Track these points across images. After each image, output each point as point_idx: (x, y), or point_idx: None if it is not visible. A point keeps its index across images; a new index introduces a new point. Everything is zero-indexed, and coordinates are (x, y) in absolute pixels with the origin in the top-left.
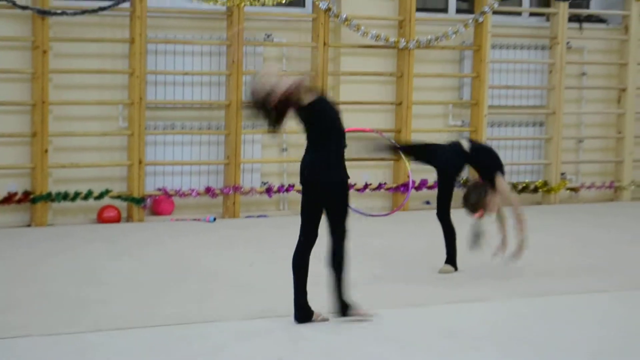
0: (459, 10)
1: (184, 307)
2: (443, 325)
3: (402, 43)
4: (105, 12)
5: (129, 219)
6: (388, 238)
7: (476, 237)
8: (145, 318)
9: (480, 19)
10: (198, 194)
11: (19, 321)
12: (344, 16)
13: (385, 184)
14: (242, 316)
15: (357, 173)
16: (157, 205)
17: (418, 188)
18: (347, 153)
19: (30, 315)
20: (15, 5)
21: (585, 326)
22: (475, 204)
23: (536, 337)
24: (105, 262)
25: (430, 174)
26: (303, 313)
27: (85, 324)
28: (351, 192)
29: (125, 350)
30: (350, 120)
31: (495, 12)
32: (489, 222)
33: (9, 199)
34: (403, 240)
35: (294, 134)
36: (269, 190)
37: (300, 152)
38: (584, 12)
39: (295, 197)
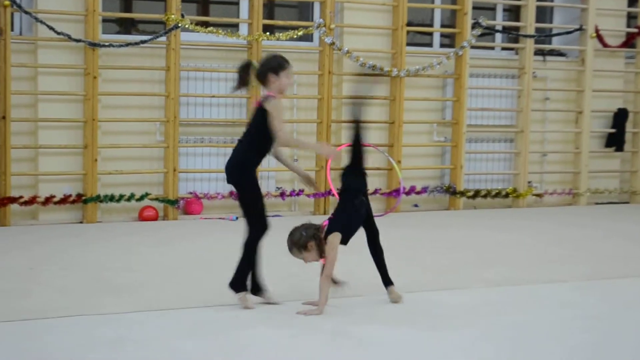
0: (442, 45)
1: (211, 291)
2: (426, 309)
3: (395, 72)
4: (145, 45)
5: (165, 217)
6: (382, 235)
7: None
8: (179, 300)
9: (460, 52)
10: (223, 197)
11: (73, 302)
12: (346, 49)
13: (380, 189)
14: (257, 300)
15: None
16: (189, 206)
17: (408, 193)
18: None
19: (82, 297)
20: (70, 38)
21: (552, 311)
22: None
23: (510, 320)
24: (145, 253)
25: (418, 181)
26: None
27: (129, 305)
28: None
29: (161, 328)
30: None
31: (472, 47)
32: None
33: (64, 199)
34: (395, 236)
35: None
36: (282, 194)
37: (309, 163)
38: (547, 47)
39: (305, 200)
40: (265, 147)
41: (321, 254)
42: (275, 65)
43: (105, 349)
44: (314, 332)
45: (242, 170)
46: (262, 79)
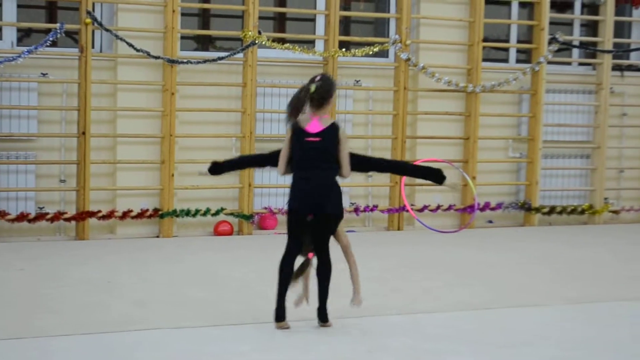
0: (518, 61)
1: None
2: (502, 326)
3: (470, 88)
4: (222, 61)
5: (240, 232)
6: (456, 251)
7: None
8: (254, 315)
9: (537, 68)
10: None
11: (150, 316)
12: (421, 65)
13: (454, 205)
14: (336, 315)
15: (430, 196)
16: (264, 221)
17: (482, 209)
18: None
19: (159, 311)
20: (149, 55)
21: (630, 330)
22: None
23: (586, 338)
24: (220, 268)
25: (493, 197)
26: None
27: (205, 320)
28: (426, 212)
29: (237, 342)
30: (426, 152)
31: (549, 62)
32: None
33: (141, 214)
34: (470, 252)
35: None
36: (356, 210)
37: (383, 178)
38: (625, 62)
39: (379, 215)
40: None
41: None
42: (334, 86)
43: None
44: (388, 349)
45: (341, 199)
46: (324, 102)
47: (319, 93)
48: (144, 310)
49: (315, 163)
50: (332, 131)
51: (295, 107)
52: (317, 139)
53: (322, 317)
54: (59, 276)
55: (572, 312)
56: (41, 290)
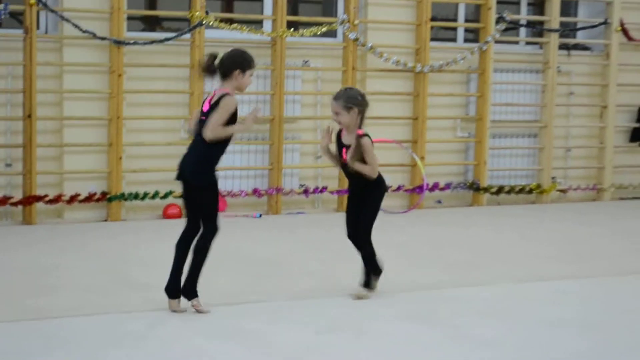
0: (466, 40)
1: (232, 290)
2: (450, 306)
3: (418, 67)
4: (170, 42)
5: None
6: (405, 232)
7: None
8: (203, 299)
9: (484, 47)
10: (246, 194)
11: (97, 300)
12: (370, 45)
13: (403, 186)
14: (288, 296)
15: None
16: None
17: (431, 189)
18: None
19: (107, 295)
20: (95, 36)
21: (577, 307)
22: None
23: (535, 316)
24: (169, 252)
25: (441, 177)
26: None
27: (153, 303)
28: None
29: (184, 327)
30: (374, 132)
31: (497, 42)
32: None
33: (89, 198)
34: (418, 232)
35: None
36: (306, 192)
37: None
38: (571, 41)
39: (328, 197)
40: (226, 143)
41: (356, 127)
42: (244, 62)
43: (129, 346)
44: (339, 330)
45: (205, 169)
46: (226, 73)
47: (222, 63)
48: (92, 294)
49: (195, 137)
50: (215, 105)
51: (204, 69)
52: (204, 117)
53: (185, 292)
54: (6, 261)
55: (520, 291)
56: None
